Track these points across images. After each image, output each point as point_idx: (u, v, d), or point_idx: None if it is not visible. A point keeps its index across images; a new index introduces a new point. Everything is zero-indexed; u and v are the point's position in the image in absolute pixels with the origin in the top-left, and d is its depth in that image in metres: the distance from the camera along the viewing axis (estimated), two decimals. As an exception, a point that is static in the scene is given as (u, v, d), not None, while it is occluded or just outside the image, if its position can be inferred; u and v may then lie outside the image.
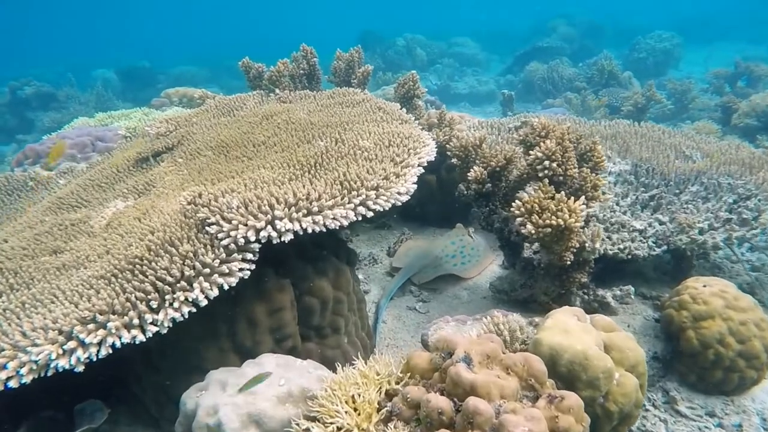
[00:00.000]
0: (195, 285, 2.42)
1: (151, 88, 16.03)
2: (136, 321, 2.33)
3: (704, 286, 3.53)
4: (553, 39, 17.03)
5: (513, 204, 3.25)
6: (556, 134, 3.35)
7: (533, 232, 3.03)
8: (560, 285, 3.57)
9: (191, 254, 2.51)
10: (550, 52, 15.83)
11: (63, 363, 2.19)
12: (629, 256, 3.76)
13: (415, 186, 3.18)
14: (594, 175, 3.37)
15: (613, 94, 10.70)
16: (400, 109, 4.40)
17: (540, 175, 3.27)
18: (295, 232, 2.64)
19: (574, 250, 3.24)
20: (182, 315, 2.38)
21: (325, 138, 3.68)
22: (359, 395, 2.13)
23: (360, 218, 2.82)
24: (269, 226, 2.57)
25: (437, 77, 16.05)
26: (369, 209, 2.83)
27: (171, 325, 2.34)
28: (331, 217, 2.69)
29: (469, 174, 3.79)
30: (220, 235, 2.57)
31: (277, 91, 5.08)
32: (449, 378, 2.05)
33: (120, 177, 4.18)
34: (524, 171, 3.80)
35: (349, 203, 2.79)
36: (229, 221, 2.60)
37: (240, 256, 2.56)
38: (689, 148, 4.94)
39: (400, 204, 2.99)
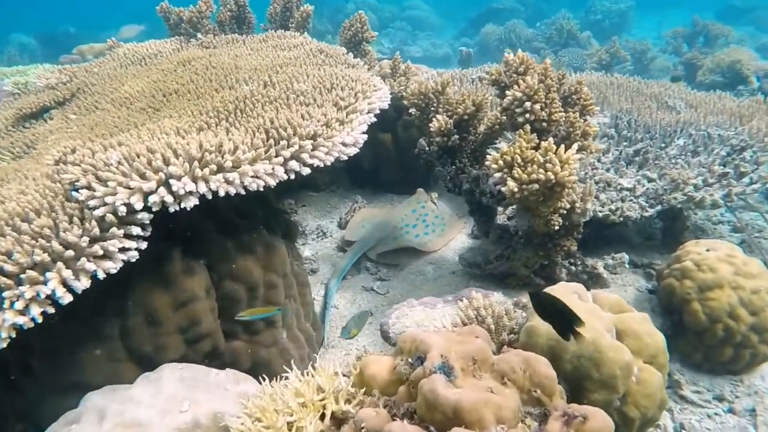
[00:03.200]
0: (51, 275, 1.67)
1: (74, 55, 14.49)
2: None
3: (708, 250, 3.02)
4: (508, 0, 16.40)
5: (488, 157, 2.61)
6: (537, 70, 2.71)
7: (515, 190, 2.39)
8: (544, 255, 2.98)
9: (48, 231, 1.75)
10: (505, 14, 15.21)
11: None
12: (621, 219, 3.19)
13: (365, 137, 2.49)
14: (583, 120, 2.75)
15: (574, 54, 10.19)
16: (347, 53, 3.67)
17: (520, 120, 2.62)
18: (202, 196, 1.92)
19: (564, 212, 2.63)
20: (32, 319, 1.64)
21: (252, 82, 2.92)
22: (292, 427, 1.46)
23: (293, 176, 2.11)
24: (162, 188, 1.84)
25: (389, 41, 15.23)
26: (304, 164, 2.13)
27: (10, 336, 1.59)
28: (251, 174, 1.97)
29: (431, 125, 3.12)
30: (91, 203, 1.81)
31: (199, 35, 4.25)
32: (422, 397, 1.40)
33: (-8, 139, 3.31)
34: (495, 122, 3.15)
35: (276, 157, 2.07)
36: (105, 183, 1.84)
37: (121, 231, 1.81)
38: (671, 98, 4.41)
39: (345, 158, 2.30)
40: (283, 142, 2.10)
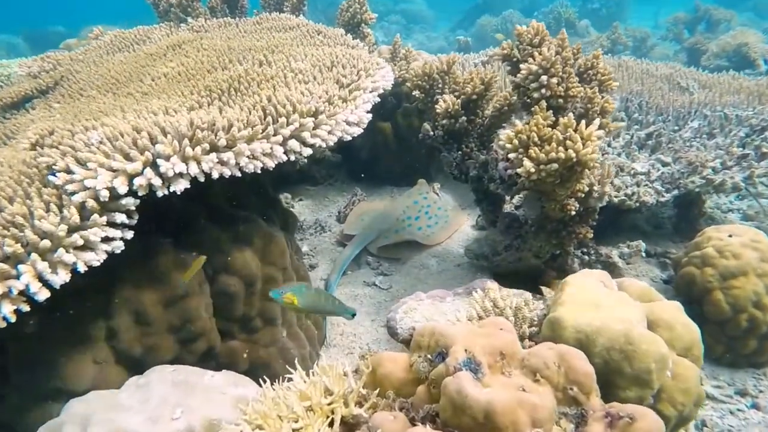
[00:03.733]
0: (24, 268, 1.48)
1: (64, 54, 14.19)
2: None
3: (730, 236, 2.86)
4: (503, -9, 16.21)
5: (501, 136, 2.43)
6: (553, 42, 2.53)
7: (532, 171, 2.22)
8: (557, 243, 2.80)
9: (22, 220, 1.57)
10: (501, 4, 14.97)
11: None
12: (637, 204, 3.02)
13: (370, 116, 2.31)
14: (601, 96, 2.58)
15: (573, 42, 10.00)
16: (345, 35, 3.49)
17: (535, 95, 2.45)
18: (194, 179, 1.74)
19: (582, 196, 2.46)
20: (4, 318, 1.45)
21: (246, 62, 2.74)
22: (297, 434, 1.28)
23: (293, 158, 1.93)
24: (149, 170, 1.65)
25: (384, 34, 15.02)
26: (305, 144, 1.95)
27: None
28: (248, 154, 1.79)
29: (437, 106, 2.94)
30: (70, 188, 1.62)
31: (190, 20, 4.05)
32: (447, 398, 1.23)
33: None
34: (504, 102, 2.97)
35: (275, 135, 1.89)
36: (85, 164, 1.66)
37: (104, 219, 1.63)
38: (684, 78, 4.25)
39: (349, 138, 2.12)
40: (282, 120, 1.92)
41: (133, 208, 1.68)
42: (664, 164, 3.38)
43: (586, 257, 3.00)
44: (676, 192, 3.15)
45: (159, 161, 1.65)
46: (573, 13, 11.43)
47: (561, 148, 2.17)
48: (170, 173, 1.66)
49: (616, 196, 2.96)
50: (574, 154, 2.13)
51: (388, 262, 3.71)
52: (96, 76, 3.23)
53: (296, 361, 2.30)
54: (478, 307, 1.97)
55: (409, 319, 2.33)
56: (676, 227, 3.62)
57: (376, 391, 1.42)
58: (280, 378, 1.53)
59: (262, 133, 1.87)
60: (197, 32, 3.79)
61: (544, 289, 2.19)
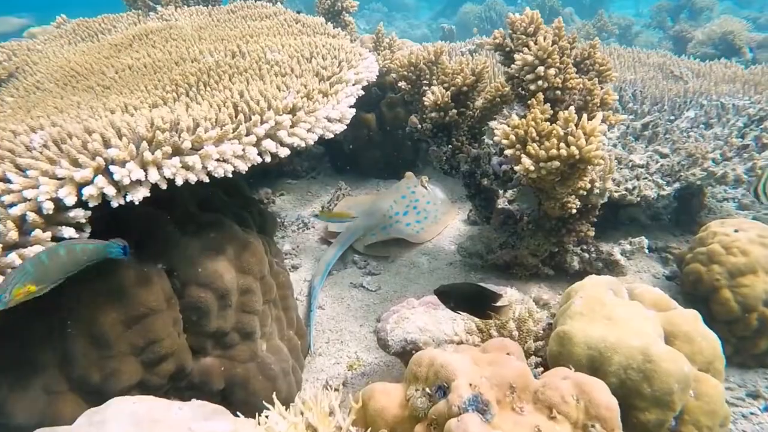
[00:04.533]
0: (-49, 294, 1.26)
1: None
2: None
3: (736, 231, 2.72)
4: (486, -22, 15.98)
5: (495, 132, 2.24)
6: (549, 31, 2.34)
7: (531, 169, 2.03)
8: (557, 242, 2.64)
9: (-50, 237, 1.34)
10: (483, -8, 14.81)
11: None
12: (639, 198, 2.86)
13: (353, 112, 2.10)
14: (600, 88, 2.40)
15: (561, 31, 9.84)
16: (326, 24, 3.26)
17: (532, 88, 2.26)
18: (155, 186, 1.52)
19: (584, 193, 2.29)
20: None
21: (218, 53, 2.51)
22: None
23: (268, 159, 1.72)
24: (101, 177, 1.43)
25: (366, 22, 14.73)
26: (282, 144, 1.74)
27: None
28: (216, 157, 1.58)
29: (425, 98, 2.74)
30: (6, 199, 1.40)
31: (159, 8, 3.79)
32: (451, 447, 1.04)
33: None
34: (496, 94, 2.79)
35: (247, 135, 1.68)
36: (25, 173, 1.43)
37: (48, 234, 1.41)
38: (677, 67, 4.09)
39: (330, 136, 1.91)
40: (256, 118, 1.70)
41: (84, 220, 1.46)
42: (663, 156, 3.23)
43: (586, 255, 2.84)
44: (677, 185, 3.00)
45: (113, 168, 1.43)
46: (557, 1, 11.27)
47: (563, 145, 1.98)
48: (126, 181, 1.44)
49: (616, 191, 2.80)
50: (576, 151, 1.95)
51: (375, 260, 3.52)
52: (55, 68, 2.97)
53: (277, 381, 2.14)
54: (478, 320, 1.79)
55: (401, 330, 2.15)
56: (677, 220, 3.47)
57: (367, 429, 1.23)
58: (258, 413, 1.33)
59: (232, 133, 1.66)
60: (167, 21, 3.54)
61: (543, 296, 2.03)
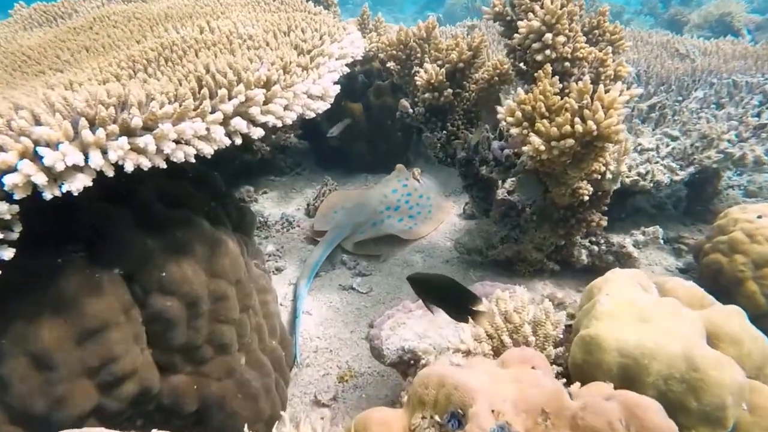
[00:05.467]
0: None
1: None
2: None
3: (759, 217, 2.50)
4: (470, -32, 15.75)
5: (499, 109, 1.99)
6: (555, -4, 2.09)
7: (542, 149, 1.79)
8: (565, 233, 2.40)
9: None
10: (469, -17, 14.58)
11: None
12: (652, 184, 2.63)
13: (337, 89, 1.84)
14: (612, 59, 2.16)
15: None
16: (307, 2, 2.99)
17: (538, 58, 2.01)
18: (100, 174, 1.25)
19: (598, 177, 2.05)
20: None
21: (184, 29, 2.24)
22: None
23: (238, 141, 1.46)
24: (28, 162, 1.16)
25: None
26: (254, 123, 1.48)
27: None
28: (174, 137, 1.31)
29: (417, 78, 2.49)
30: None
31: (125, -10, 3.49)
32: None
33: None
34: (494, 72, 2.54)
35: (213, 112, 1.41)
36: (-69, 160, 1.16)
37: (-36, 235, 1.14)
38: (682, 45, 3.87)
39: (313, 115, 1.65)
40: (223, 92, 1.44)
41: (9, 216, 1.19)
42: (673, 138, 3.00)
43: (596, 248, 2.61)
44: (691, 169, 2.77)
45: (42, 150, 1.16)
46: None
47: (577, 120, 1.74)
48: (60, 166, 1.17)
49: (627, 176, 2.57)
50: (594, 127, 1.70)
51: (366, 260, 3.26)
52: (5, 54, 2.69)
53: (259, 399, 1.88)
54: (487, 325, 1.54)
55: (397, 337, 1.89)
56: (688, 208, 3.25)
57: (363, 471, 0.98)
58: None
59: (196, 110, 1.39)
60: (132, 2, 3.25)
61: (558, 294, 1.78)
